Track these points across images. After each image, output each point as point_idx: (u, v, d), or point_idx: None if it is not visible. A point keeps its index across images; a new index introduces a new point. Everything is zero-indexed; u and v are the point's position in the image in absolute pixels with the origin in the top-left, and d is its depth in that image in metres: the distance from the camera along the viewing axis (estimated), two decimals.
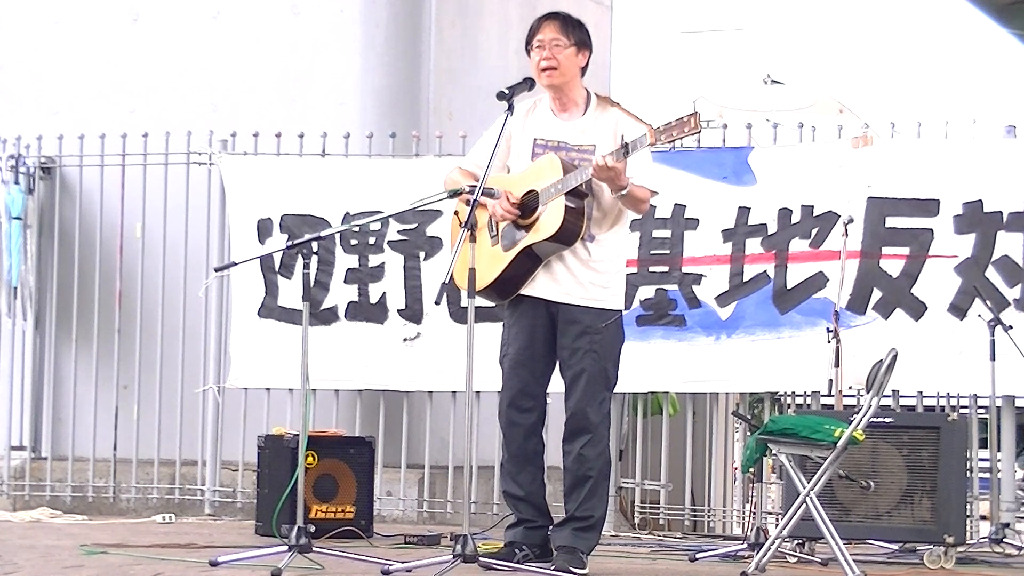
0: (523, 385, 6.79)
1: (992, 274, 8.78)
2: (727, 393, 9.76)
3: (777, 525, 7.39)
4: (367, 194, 9.71)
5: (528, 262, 6.67)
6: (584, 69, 6.86)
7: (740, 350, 9.13)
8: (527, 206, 6.65)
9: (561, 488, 6.80)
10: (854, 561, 6.58)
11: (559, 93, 6.81)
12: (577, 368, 6.68)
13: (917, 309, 8.89)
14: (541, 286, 6.69)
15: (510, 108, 6.59)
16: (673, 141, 6.40)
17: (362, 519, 8.30)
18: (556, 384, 6.85)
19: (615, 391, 6.96)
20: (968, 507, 8.28)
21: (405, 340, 9.72)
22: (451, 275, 6.34)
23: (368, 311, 9.77)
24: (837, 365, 8.43)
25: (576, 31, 6.82)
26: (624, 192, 6.54)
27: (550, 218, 6.58)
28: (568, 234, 6.59)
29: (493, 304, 7.17)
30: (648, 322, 9.30)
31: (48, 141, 10.57)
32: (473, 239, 6.36)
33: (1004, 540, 8.19)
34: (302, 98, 10.58)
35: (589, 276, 6.66)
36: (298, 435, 7.13)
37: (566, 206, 6.56)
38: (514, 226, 6.67)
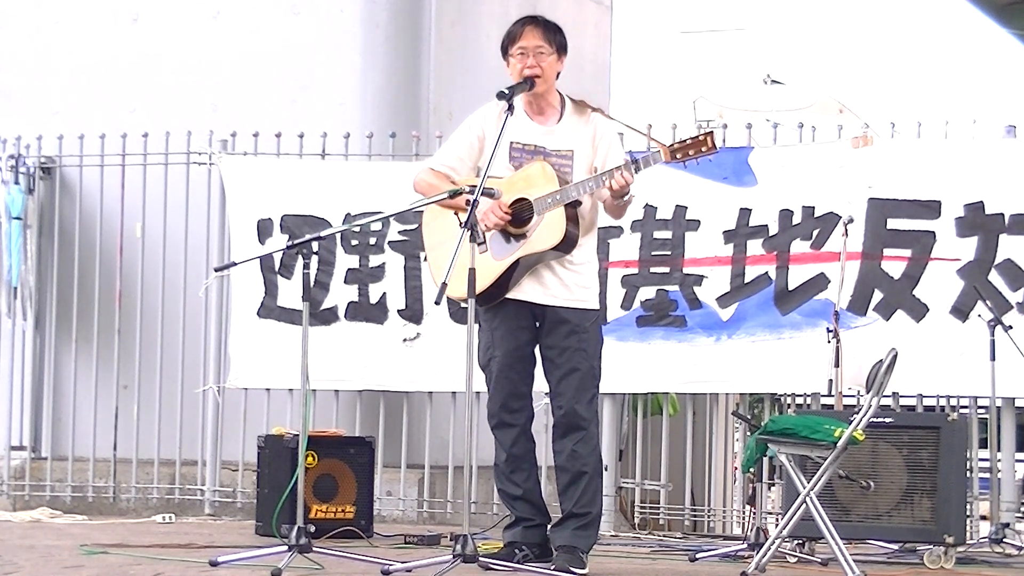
0: (514, 387, 6.80)
1: (995, 278, 8.78)
2: (727, 393, 9.76)
3: (777, 525, 7.38)
4: (368, 194, 9.70)
5: (516, 270, 6.67)
6: (559, 73, 6.84)
7: (741, 351, 9.13)
8: (518, 215, 6.64)
9: (556, 488, 6.81)
10: (854, 561, 6.58)
11: (536, 98, 6.78)
12: (567, 367, 6.69)
13: (918, 311, 8.88)
14: (528, 290, 6.69)
15: (510, 108, 6.57)
16: (688, 160, 6.40)
17: (362, 519, 8.30)
18: (540, 385, 6.86)
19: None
20: (968, 507, 8.28)
21: (405, 340, 9.72)
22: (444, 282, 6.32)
23: (368, 311, 9.77)
24: (837, 365, 8.43)
25: (556, 36, 6.77)
26: (626, 199, 6.58)
27: (551, 228, 6.58)
28: (569, 244, 6.62)
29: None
30: (648, 323, 9.29)
31: (48, 141, 10.58)
32: (473, 239, 6.34)
33: (1004, 540, 8.19)
34: (302, 98, 10.58)
35: (573, 278, 6.69)
36: (298, 435, 7.13)
37: (567, 217, 6.57)
38: (502, 234, 6.66)
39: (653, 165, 6.47)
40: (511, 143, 6.74)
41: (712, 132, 6.39)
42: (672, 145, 6.41)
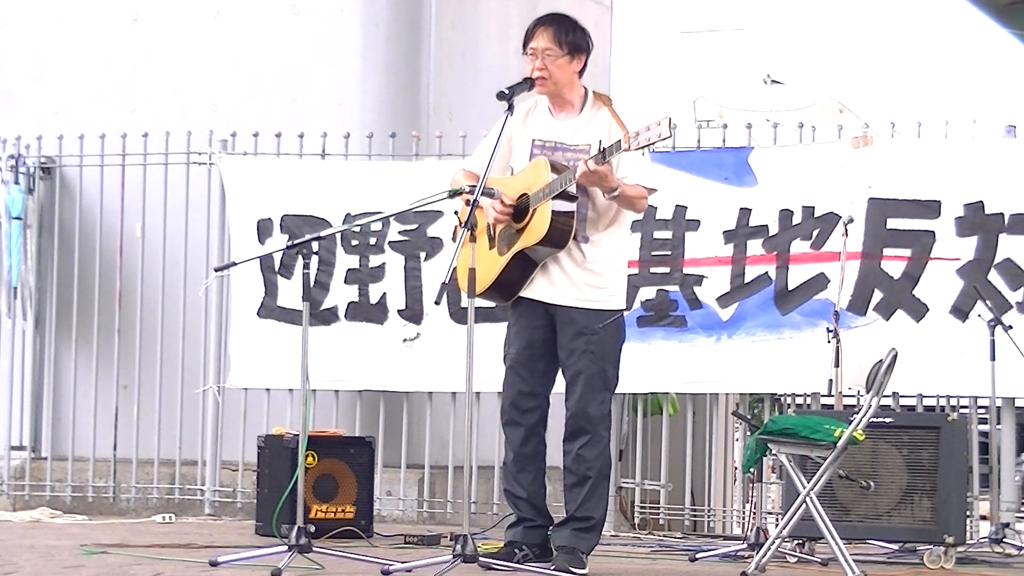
0: (523, 386, 6.79)
1: (995, 277, 8.78)
2: (727, 393, 9.76)
3: (777, 525, 7.39)
4: (368, 194, 9.71)
5: (523, 265, 6.67)
6: (581, 71, 6.82)
7: (741, 351, 9.12)
8: (521, 209, 6.65)
9: (561, 488, 6.80)
10: (854, 561, 6.58)
11: (554, 96, 6.81)
12: (574, 369, 6.68)
13: (918, 311, 8.88)
14: (538, 288, 6.70)
15: (510, 108, 6.59)
16: (645, 147, 6.36)
17: (362, 519, 8.30)
18: (558, 384, 6.85)
19: (616, 391, 6.95)
20: (968, 507, 8.28)
21: (405, 340, 9.72)
22: (451, 276, 6.34)
23: (368, 311, 9.77)
24: (837, 365, 8.42)
25: (570, 36, 6.75)
26: (615, 194, 6.53)
27: (539, 222, 6.58)
28: (557, 237, 6.57)
29: (495, 305, 7.17)
30: (649, 323, 9.29)
31: (48, 141, 10.57)
32: (473, 239, 6.36)
33: (1004, 540, 8.19)
34: (302, 98, 10.58)
35: (584, 277, 6.65)
36: (298, 435, 7.13)
37: (553, 210, 6.55)
38: (509, 230, 6.69)
39: (617, 154, 6.42)
40: (533, 140, 6.77)
41: (668, 117, 6.29)
42: (632, 133, 6.35)
